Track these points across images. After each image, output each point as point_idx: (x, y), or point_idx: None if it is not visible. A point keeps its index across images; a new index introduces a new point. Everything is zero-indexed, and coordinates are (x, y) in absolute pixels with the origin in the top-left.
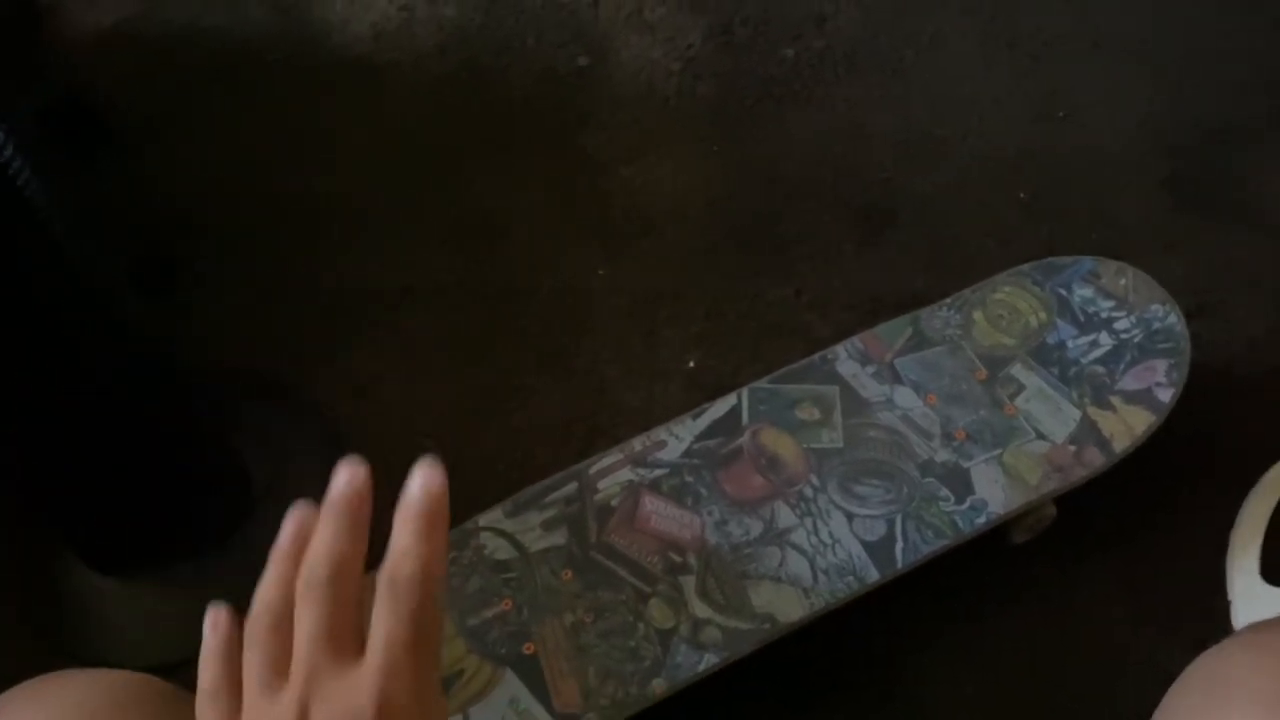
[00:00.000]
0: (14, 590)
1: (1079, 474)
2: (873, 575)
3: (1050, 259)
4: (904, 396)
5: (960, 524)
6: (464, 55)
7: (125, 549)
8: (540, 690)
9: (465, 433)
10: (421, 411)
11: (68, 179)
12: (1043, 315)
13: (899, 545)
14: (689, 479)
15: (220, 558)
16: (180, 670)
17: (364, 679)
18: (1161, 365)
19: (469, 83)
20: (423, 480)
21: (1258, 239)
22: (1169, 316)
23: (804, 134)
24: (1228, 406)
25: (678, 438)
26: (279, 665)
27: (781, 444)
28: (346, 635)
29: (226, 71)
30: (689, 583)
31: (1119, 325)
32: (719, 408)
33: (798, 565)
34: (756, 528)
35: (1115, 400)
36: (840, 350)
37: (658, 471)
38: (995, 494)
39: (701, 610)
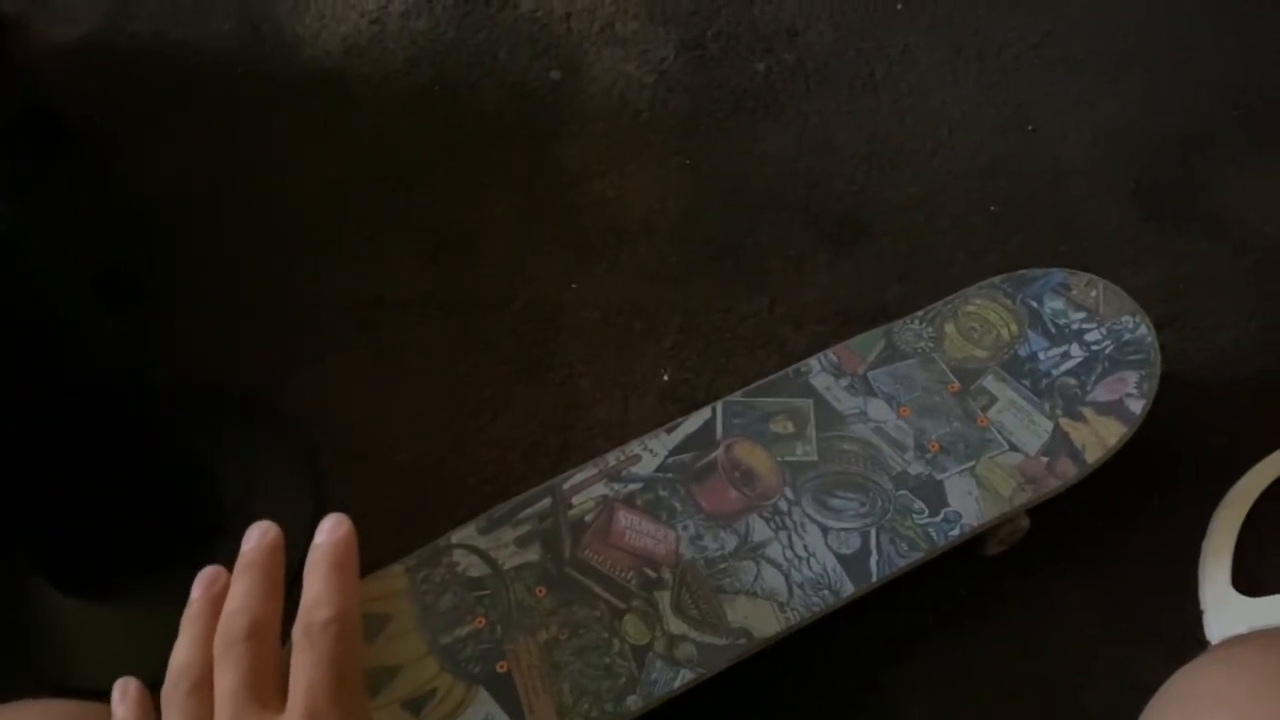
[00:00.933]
0: None
1: (1052, 485)
2: (848, 589)
3: (1021, 271)
4: (877, 409)
5: (934, 536)
6: (436, 69)
7: (91, 569)
8: (514, 709)
9: (437, 446)
10: (392, 425)
11: (31, 192)
12: (1014, 327)
13: (873, 558)
14: (663, 493)
15: (188, 576)
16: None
17: None
18: (1132, 376)
19: (441, 96)
20: (329, 529)
21: (1224, 250)
22: (1139, 328)
23: (776, 147)
24: (1197, 416)
25: (652, 452)
26: None
27: (756, 457)
28: (268, 689)
29: (195, 84)
30: (664, 598)
31: (1090, 337)
32: (693, 421)
33: (773, 579)
34: (731, 542)
35: (1087, 411)
36: (814, 363)
37: (632, 486)
38: (969, 506)
39: (676, 626)
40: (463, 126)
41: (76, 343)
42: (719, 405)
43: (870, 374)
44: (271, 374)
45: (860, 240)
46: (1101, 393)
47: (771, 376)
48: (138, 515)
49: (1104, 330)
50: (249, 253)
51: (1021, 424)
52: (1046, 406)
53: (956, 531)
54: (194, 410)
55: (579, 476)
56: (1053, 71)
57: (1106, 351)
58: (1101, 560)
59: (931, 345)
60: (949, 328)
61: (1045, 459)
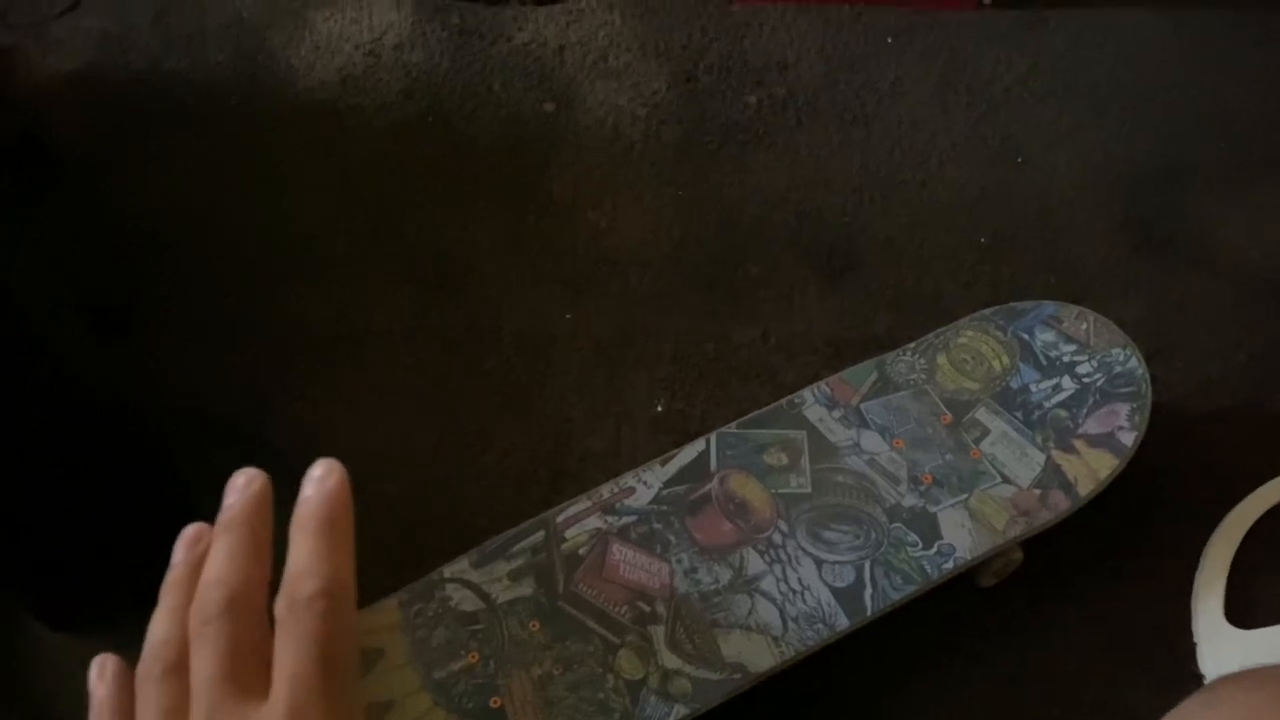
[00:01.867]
0: None
1: (1044, 518)
2: (843, 622)
3: (1012, 304)
4: (871, 441)
5: (928, 569)
6: (430, 100)
7: (76, 603)
8: None
9: (427, 478)
10: (381, 456)
11: (21, 222)
12: (1005, 359)
13: (868, 591)
14: (658, 526)
15: None
16: None
17: None
18: (1124, 409)
19: (435, 127)
20: (319, 478)
21: (1212, 281)
22: (1130, 360)
23: (767, 178)
24: (1187, 447)
25: (646, 484)
26: (177, 714)
27: (750, 490)
28: (250, 672)
29: (188, 115)
30: (658, 632)
31: (1081, 369)
32: (687, 453)
33: (767, 613)
34: (726, 575)
35: (1079, 444)
36: (807, 394)
37: (626, 519)
38: (962, 539)
39: (671, 661)
40: (456, 157)
41: (64, 373)
42: (713, 437)
43: (863, 405)
44: (261, 404)
45: (851, 271)
46: (1093, 425)
47: (765, 408)
48: (125, 547)
49: (1095, 363)
50: (239, 282)
51: (1014, 456)
52: (1039, 439)
53: (950, 564)
54: (182, 440)
55: (573, 509)
56: (1042, 104)
57: (1098, 384)
58: (1095, 592)
59: (924, 377)
60: (941, 359)
61: (1038, 491)
